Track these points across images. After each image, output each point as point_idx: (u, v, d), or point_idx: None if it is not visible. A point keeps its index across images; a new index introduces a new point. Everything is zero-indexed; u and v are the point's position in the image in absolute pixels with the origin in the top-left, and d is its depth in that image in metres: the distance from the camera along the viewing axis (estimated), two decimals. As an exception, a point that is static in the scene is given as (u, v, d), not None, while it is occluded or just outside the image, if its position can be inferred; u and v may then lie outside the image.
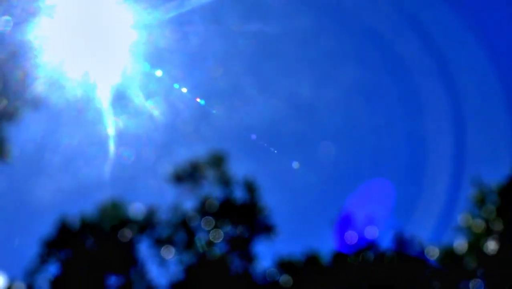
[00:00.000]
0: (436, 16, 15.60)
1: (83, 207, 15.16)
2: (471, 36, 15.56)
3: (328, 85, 15.44)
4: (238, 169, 15.79)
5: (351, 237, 14.16)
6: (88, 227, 14.87)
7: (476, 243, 13.34)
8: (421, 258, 13.66)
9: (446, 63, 15.59)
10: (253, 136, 13.48)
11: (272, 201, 15.81)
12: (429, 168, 15.57)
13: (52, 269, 14.78)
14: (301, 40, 14.14)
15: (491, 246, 13.04)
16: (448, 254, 13.62)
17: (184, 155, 15.55)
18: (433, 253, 13.64)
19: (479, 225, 13.32)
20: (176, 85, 7.57)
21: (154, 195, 16.00)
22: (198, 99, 7.80)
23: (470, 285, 13.21)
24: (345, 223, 14.40)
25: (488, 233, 13.25)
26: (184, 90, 7.66)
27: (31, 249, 14.82)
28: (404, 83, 16.80)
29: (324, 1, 14.29)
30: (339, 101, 16.18)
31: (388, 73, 16.73)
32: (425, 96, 16.18)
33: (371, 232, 14.12)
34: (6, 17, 6.31)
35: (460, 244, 13.53)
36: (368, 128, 16.20)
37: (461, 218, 13.51)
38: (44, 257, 14.64)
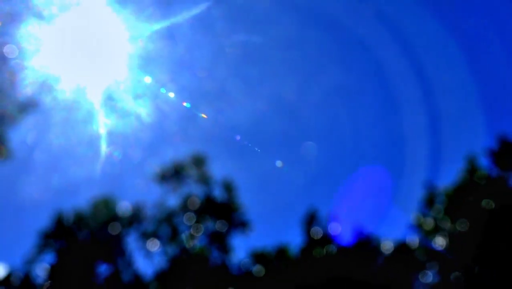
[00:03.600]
0: (415, 21, 16.39)
1: (77, 203, 15.79)
2: (449, 40, 16.33)
3: (307, 88, 16.06)
4: (219, 168, 16.50)
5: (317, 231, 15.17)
6: (81, 220, 15.56)
7: (426, 239, 14.60)
8: (377, 251, 14.72)
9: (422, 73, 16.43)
10: (237, 137, 13.40)
11: (248, 199, 16.53)
12: (390, 170, 16.59)
13: (48, 259, 15.36)
14: (282, 49, 14.86)
15: (440, 241, 14.31)
16: (402, 248, 14.74)
17: (169, 155, 16.04)
18: (388, 247, 14.81)
19: (429, 223, 14.57)
20: (163, 90, 7.60)
21: (141, 193, 16.58)
22: (184, 103, 7.88)
23: (420, 276, 14.42)
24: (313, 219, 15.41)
25: (436, 230, 14.47)
26: (172, 94, 7.70)
27: (29, 241, 15.38)
28: (379, 86, 17.69)
29: (304, 10, 15.07)
30: (317, 103, 16.85)
31: (366, 76, 17.58)
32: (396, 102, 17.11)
33: (335, 228, 15.16)
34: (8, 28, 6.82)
35: (412, 240, 14.77)
36: (335, 134, 17.22)
37: (413, 216, 14.75)
38: (41, 248, 15.32)
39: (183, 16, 7.67)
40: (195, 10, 7.91)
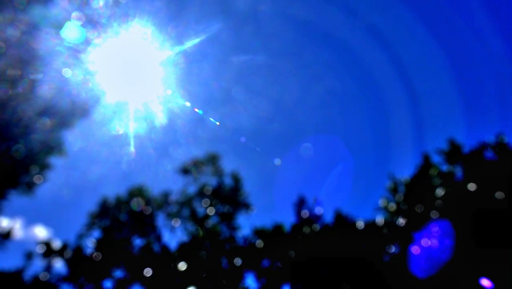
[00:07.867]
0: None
1: (118, 190, 18.65)
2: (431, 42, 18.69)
3: (297, 98, 18.63)
4: (228, 163, 19.39)
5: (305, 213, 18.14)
6: (121, 204, 18.43)
7: (390, 219, 17.79)
8: (352, 228, 17.80)
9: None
10: (242, 139, 15.61)
11: (251, 187, 19.45)
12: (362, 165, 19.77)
13: (95, 234, 18.11)
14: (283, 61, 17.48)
15: (400, 221, 17.49)
16: (371, 226, 17.86)
17: (190, 153, 18.50)
18: (361, 225, 17.98)
19: (392, 206, 17.79)
20: (183, 101, 8.73)
21: (168, 182, 19.30)
22: (197, 110, 9.21)
23: (387, 248, 17.33)
24: (301, 203, 18.38)
25: (398, 212, 17.62)
26: (194, 107, 9.06)
27: (80, 220, 18.33)
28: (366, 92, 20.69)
29: (301, 26, 17.60)
30: (307, 109, 19.72)
31: (357, 83, 20.17)
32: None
33: (318, 210, 18.42)
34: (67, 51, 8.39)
35: (380, 219, 17.97)
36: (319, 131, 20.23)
37: (380, 201, 18.04)
38: (89, 226, 18.15)
39: (197, 38, 8.79)
40: (207, 32, 9.33)
